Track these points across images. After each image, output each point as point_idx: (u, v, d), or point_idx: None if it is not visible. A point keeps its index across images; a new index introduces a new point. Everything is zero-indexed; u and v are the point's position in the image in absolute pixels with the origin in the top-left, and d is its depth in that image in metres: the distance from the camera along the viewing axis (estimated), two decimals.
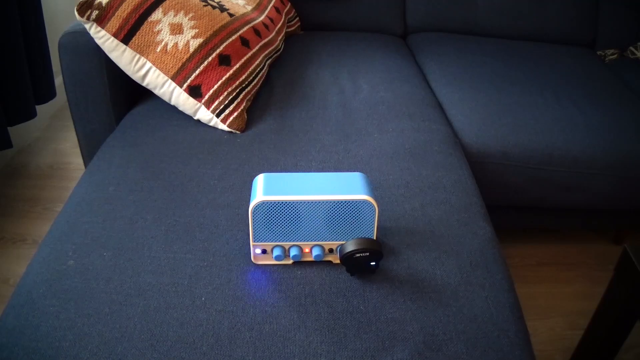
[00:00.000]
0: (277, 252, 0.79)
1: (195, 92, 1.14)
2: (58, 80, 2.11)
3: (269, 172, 0.84)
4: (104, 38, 1.11)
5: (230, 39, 1.19)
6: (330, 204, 0.76)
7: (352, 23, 1.83)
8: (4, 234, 1.52)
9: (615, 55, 1.84)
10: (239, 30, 1.23)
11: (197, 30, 1.15)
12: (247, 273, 0.79)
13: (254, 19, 1.32)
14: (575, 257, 1.63)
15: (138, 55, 1.12)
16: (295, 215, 0.76)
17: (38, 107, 1.87)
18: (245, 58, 1.21)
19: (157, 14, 1.13)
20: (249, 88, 1.21)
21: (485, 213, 0.99)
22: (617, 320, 0.97)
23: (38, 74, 1.70)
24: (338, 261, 0.81)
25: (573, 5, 1.86)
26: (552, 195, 1.38)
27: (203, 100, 1.14)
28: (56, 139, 1.98)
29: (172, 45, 1.12)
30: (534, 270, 1.57)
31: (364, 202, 0.76)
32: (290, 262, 0.82)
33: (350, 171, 0.98)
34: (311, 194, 0.76)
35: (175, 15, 1.14)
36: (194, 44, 1.13)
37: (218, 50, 1.16)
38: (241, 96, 1.18)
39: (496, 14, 1.84)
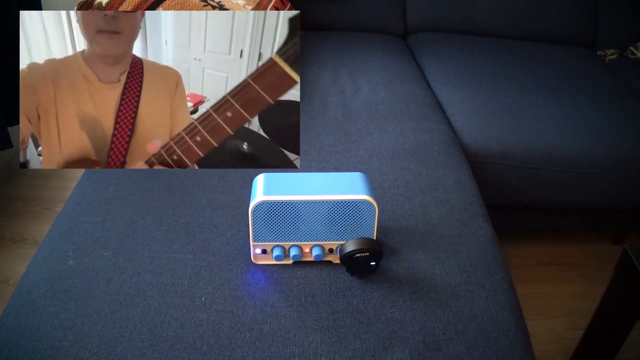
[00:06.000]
0: (277, 252, 0.79)
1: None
2: None
3: (268, 172, 0.84)
4: None
5: None
6: (330, 203, 0.76)
7: (352, 23, 1.83)
8: (4, 234, 1.52)
9: (615, 55, 1.84)
10: None
11: None
12: (247, 273, 0.80)
13: None
14: (575, 257, 1.63)
15: None
16: (295, 215, 0.76)
17: None
18: None
19: None
20: None
21: (485, 213, 0.99)
22: (617, 320, 0.97)
23: None
24: (338, 261, 0.81)
25: (573, 5, 1.85)
26: (552, 195, 1.38)
27: None
28: None
29: None
30: (534, 270, 1.57)
31: (364, 202, 0.76)
32: (290, 262, 0.82)
33: (350, 171, 0.98)
34: (311, 194, 0.76)
35: None
36: None
37: None
38: None
39: (496, 14, 1.84)
